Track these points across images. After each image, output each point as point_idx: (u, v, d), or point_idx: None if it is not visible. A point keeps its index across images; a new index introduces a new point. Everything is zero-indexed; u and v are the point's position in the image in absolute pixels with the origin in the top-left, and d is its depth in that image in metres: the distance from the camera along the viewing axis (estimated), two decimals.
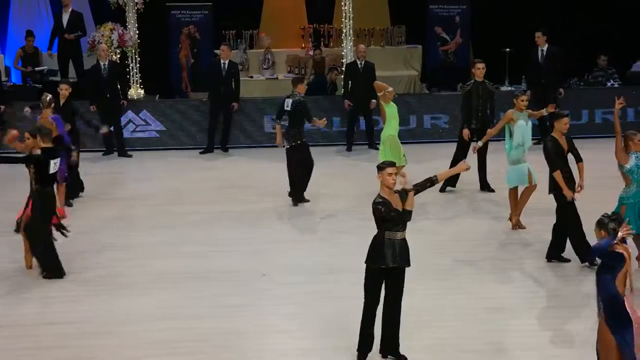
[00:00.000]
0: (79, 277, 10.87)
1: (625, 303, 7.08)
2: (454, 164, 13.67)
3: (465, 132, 13.93)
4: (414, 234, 11.79)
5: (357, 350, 8.46)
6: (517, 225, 12.26)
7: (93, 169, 16.01)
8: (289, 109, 13.51)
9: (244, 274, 10.85)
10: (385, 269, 8.20)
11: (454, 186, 14.19)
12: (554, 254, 10.99)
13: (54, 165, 10.59)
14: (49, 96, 12.86)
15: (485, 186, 14.10)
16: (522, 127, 12.14)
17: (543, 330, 9.16)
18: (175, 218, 13.10)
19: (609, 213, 7.41)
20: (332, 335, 9.11)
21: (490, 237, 12.07)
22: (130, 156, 17.09)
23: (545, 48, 17.11)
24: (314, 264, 11.12)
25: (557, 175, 10.65)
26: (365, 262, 8.32)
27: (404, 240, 8.25)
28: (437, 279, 10.55)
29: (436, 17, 19.85)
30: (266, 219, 13.04)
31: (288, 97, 13.71)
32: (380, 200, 8.13)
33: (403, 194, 8.16)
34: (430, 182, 8.39)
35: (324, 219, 12.98)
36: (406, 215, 8.13)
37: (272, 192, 14.35)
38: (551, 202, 13.21)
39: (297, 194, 13.67)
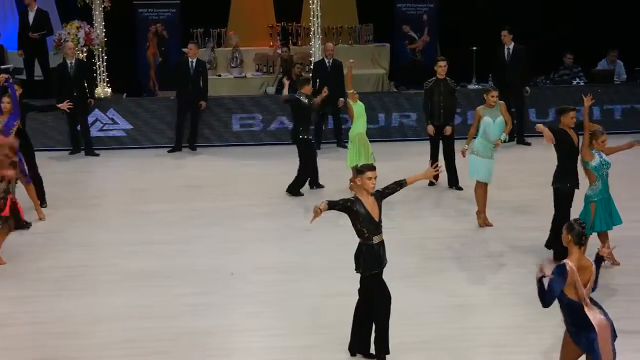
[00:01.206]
0: (45, 276, 10.82)
1: (585, 308, 7.05)
2: (447, 163, 13.83)
3: (430, 128, 14.12)
4: None
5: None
6: (485, 223, 12.33)
7: (60, 168, 15.93)
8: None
9: (212, 272, 10.85)
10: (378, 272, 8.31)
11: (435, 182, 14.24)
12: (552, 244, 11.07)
13: None
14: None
15: (453, 183, 14.17)
16: (488, 123, 12.21)
17: (511, 327, 9.22)
18: (143, 217, 13.05)
19: (580, 218, 7.42)
20: (300, 333, 9.14)
21: (458, 235, 12.11)
22: (98, 155, 16.99)
23: (511, 46, 17.23)
24: (282, 263, 11.13)
25: (541, 126, 10.78)
26: (359, 271, 8.32)
27: (383, 241, 8.35)
28: (404, 277, 10.56)
29: (404, 15, 19.89)
30: (234, 217, 13.01)
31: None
32: (352, 198, 8.22)
33: (378, 195, 8.23)
34: (400, 185, 8.45)
35: (292, 218, 12.97)
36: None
37: (240, 191, 14.34)
38: (519, 200, 13.36)
39: (294, 187, 13.98)
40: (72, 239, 12.11)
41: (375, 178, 8.19)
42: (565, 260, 7.05)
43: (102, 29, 18.00)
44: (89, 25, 17.75)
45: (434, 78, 14.19)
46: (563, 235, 7.18)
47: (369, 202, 8.18)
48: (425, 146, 14.49)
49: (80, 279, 10.75)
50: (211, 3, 19.92)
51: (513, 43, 17.21)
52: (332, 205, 8.18)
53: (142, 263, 11.20)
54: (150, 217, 13.02)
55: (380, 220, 8.26)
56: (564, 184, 10.75)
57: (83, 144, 17.05)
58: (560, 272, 6.95)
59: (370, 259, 8.25)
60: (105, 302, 9.99)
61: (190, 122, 17.29)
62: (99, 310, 9.78)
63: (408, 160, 15.54)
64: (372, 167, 8.25)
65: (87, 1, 17.76)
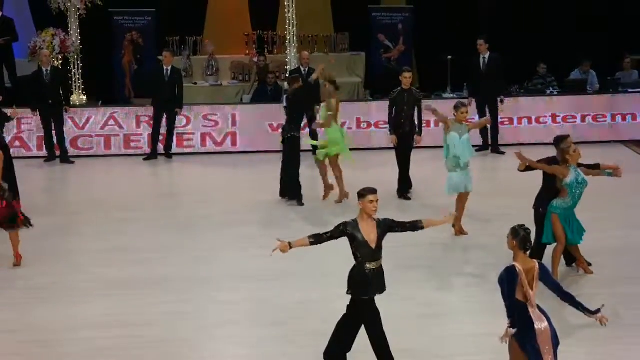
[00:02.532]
0: (21, 284, 10.79)
1: (529, 310, 7.27)
2: (400, 171, 13.85)
3: (393, 138, 14.06)
4: None
5: None
6: (460, 232, 12.39)
7: (35, 175, 15.86)
8: (285, 105, 13.97)
9: (188, 280, 10.84)
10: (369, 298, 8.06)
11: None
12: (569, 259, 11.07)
13: None
14: None
15: (403, 193, 14.18)
16: (454, 139, 12.11)
17: (482, 336, 9.23)
18: (119, 225, 13.02)
19: (524, 224, 7.51)
20: (275, 342, 9.16)
21: (433, 243, 12.14)
22: (73, 163, 16.93)
23: (487, 56, 17.30)
24: (257, 271, 11.11)
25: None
26: (348, 293, 8.11)
27: (379, 268, 8.07)
28: None
29: (379, 24, 19.99)
30: (210, 225, 13.00)
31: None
32: (350, 220, 8.00)
33: (383, 224, 7.99)
34: (414, 227, 8.19)
35: (266, 226, 12.96)
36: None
37: (216, 199, 14.34)
38: (494, 208, 13.43)
39: (292, 191, 13.91)
40: (47, 247, 12.05)
41: (377, 202, 7.92)
42: (513, 263, 7.31)
43: (78, 37, 18.01)
44: (64, 33, 17.74)
45: (399, 88, 14.08)
46: (508, 240, 7.40)
47: (367, 227, 7.94)
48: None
49: (56, 287, 10.71)
50: (187, 11, 19.94)
51: (489, 52, 17.29)
52: (319, 240, 8.06)
53: (118, 271, 11.17)
54: (126, 225, 12.99)
55: (378, 248, 7.96)
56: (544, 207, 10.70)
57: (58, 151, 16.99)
58: (511, 274, 7.23)
59: (359, 284, 8.00)
60: (81, 311, 9.95)
61: (166, 129, 17.27)
62: (74, 318, 9.75)
63: (383, 169, 15.61)
64: (373, 191, 7.96)
65: (63, 9, 17.75)
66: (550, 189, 10.64)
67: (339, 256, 11.37)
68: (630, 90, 18.42)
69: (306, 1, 18.95)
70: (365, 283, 8.01)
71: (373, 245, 7.94)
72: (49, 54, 16.98)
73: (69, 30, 17.93)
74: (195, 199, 14.42)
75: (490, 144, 17.38)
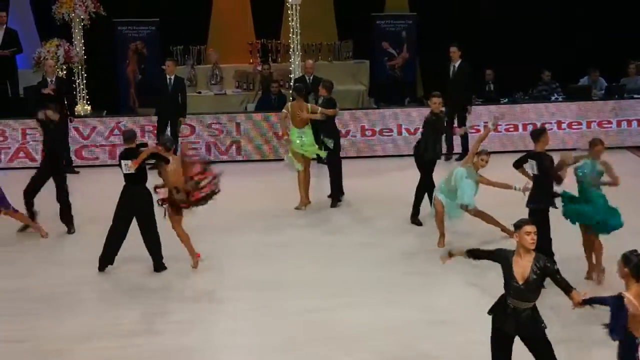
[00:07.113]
0: (28, 295, 10.78)
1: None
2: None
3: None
4: (360, 247, 11.91)
5: None
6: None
7: None
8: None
9: (194, 289, 10.84)
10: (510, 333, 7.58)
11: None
12: None
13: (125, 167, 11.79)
14: None
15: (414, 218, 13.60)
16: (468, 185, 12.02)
17: (487, 343, 9.22)
18: None
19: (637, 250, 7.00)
20: (281, 350, 9.15)
21: (438, 251, 12.08)
22: (77, 173, 16.94)
23: (457, 64, 17.17)
24: (261, 280, 11.13)
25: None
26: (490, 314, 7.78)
27: (526, 310, 7.50)
28: (381, 291, 10.59)
29: (383, 32, 20.00)
30: (214, 234, 12.99)
31: None
32: (509, 250, 7.55)
33: (540, 259, 7.42)
34: (566, 288, 7.49)
35: (270, 235, 12.96)
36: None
37: (220, 208, 14.27)
38: (498, 217, 13.38)
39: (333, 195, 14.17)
40: (54, 257, 12.07)
41: (534, 233, 7.40)
42: (623, 292, 6.81)
43: (82, 47, 18.03)
44: (68, 43, 17.77)
45: (432, 114, 13.30)
46: (619, 267, 6.91)
47: (522, 261, 7.43)
48: (404, 161, 14.44)
49: (62, 297, 10.71)
50: (191, 20, 19.97)
51: (460, 60, 17.16)
52: (475, 255, 7.81)
53: (124, 281, 11.19)
54: (131, 235, 12.93)
55: (527, 286, 7.37)
56: (540, 204, 10.68)
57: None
58: (618, 302, 6.75)
59: (498, 315, 7.61)
60: (88, 320, 9.96)
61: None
62: (82, 328, 9.75)
63: (387, 177, 15.62)
64: (529, 222, 7.53)
65: (67, 19, 17.79)
66: (542, 186, 10.65)
67: (342, 266, 11.42)
68: (635, 96, 18.41)
69: (310, 10, 18.97)
70: (503, 317, 7.56)
71: (520, 281, 7.41)
72: (53, 65, 17.00)
73: (73, 40, 17.96)
74: (200, 208, 14.35)
75: (461, 151, 16.89)
